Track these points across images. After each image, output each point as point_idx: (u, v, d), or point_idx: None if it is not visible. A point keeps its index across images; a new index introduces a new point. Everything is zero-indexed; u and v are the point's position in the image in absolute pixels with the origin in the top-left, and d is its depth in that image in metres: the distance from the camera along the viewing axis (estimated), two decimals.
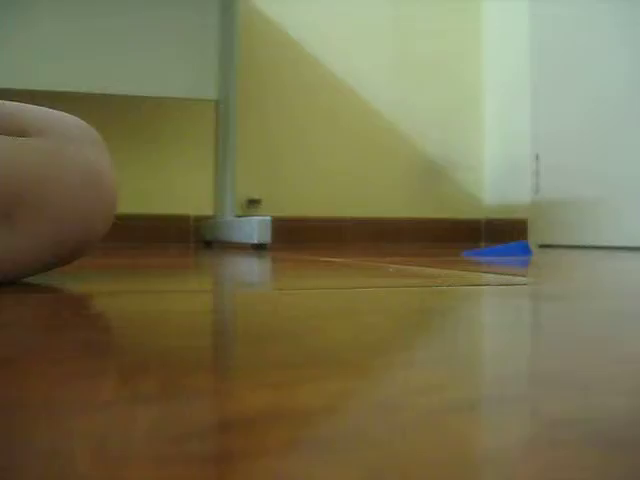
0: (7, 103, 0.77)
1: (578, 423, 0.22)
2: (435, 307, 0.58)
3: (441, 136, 3.02)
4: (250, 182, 2.72)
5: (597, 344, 0.39)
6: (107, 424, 0.22)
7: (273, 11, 2.79)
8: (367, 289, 0.76)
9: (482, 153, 3.10)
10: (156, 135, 2.64)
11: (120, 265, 1.17)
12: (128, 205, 2.49)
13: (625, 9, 2.34)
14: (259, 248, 1.98)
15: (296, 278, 0.94)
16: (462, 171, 3.07)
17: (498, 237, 2.92)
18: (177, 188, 2.67)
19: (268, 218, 2.02)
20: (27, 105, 0.79)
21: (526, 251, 1.78)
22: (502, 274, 1.00)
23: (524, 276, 1.00)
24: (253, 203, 2.74)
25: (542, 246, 2.61)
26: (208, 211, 2.57)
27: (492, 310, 0.59)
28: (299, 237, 2.78)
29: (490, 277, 0.95)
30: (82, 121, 0.82)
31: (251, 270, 1.15)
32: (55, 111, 0.80)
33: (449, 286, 0.78)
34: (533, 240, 2.68)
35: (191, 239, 2.66)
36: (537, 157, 2.72)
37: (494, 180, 3.06)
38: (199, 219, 2.63)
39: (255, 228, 1.99)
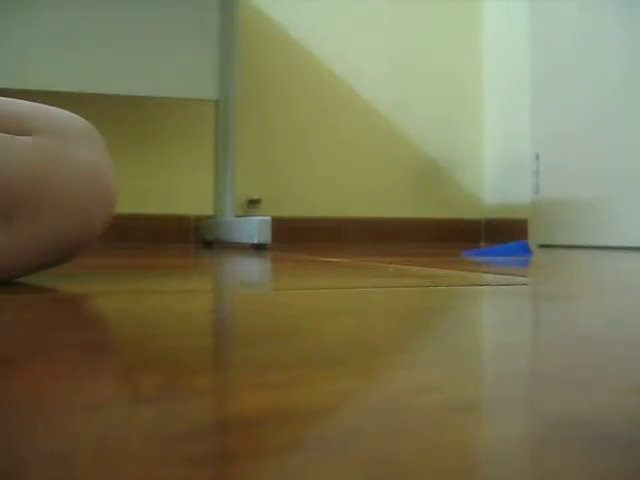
0: (6, 100, 0.77)
1: (578, 423, 0.22)
2: (435, 307, 0.58)
3: (441, 136, 3.02)
4: (250, 182, 2.72)
5: (597, 344, 0.39)
6: (106, 424, 0.22)
7: (273, 11, 2.79)
8: (367, 289, 0.76)
9: (482, 153, 3.10)
10: (156, 135, 2.64)
11: (120, 265, 1.17)
12: (128, 205, 2.49)
13: (626, 9, 2.34)
14: (259, 248, 1.98)
15: (296, 278, 0.94)
16: (462, 171, 3.07)
17: (498, 237, 2.92)
18: (177, 188, 2.67)
19: (268, 218, 2.02)
20: (27, 102, 0.78)
21: (526, 251, 1.78)
22: (502, 274, 1.00)
23: (524, 276, 1.00)
24: (253, 203, 2.74)
25: (542, 246, 2.61)
26: (208, 211, 2.57)
27: (492, 310, 0.59)
28: (299, 237, 2.78)
29: (490, 277, 0.95)
30: (82, 119, 0.82)
31: (251, 270, 1.15)
32: (55, 108, 0.80)
33: (448, 286, 0.78)
34: (533, 240, 2.68)
35: (191, 239, 2.66)
36: (537, 157, 2.72)
37: (494, 180, 3.06)
38: (199, 219, 2.63)
39: (255, 228, 1.99)
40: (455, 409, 0.24)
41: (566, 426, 0.22)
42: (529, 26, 2.79)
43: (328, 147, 2.85)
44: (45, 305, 0.59)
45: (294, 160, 2.81)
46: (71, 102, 2.28)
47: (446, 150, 3.03)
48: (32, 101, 0.80)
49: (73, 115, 0.81)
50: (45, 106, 0.79)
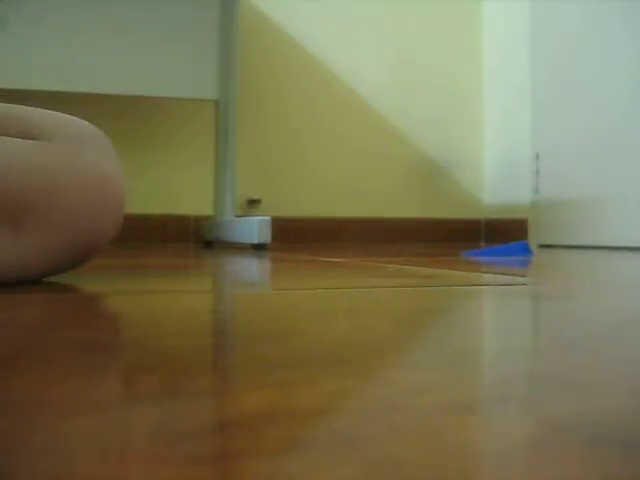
0: (17, 107, 0.77)
1: (578, 423, 0.22)
2: (434, 307, 0.58)
3: (441, 136, 3.02)
4: (250, 182, 2.72)
5: (597, 344, 0.39)
6: (106, 424, 0.22)
7: (273, 11, 2.79)
8: (366, 289, 0.76)
9: (482, 153, 3.10)
10: (156, 135, 2.64)
11: (120, 265, 1.17)
12: (128, 205, 2.49)
13: (627, 8, 2.34)
14: (259, 248, 1.98)
15: (295, 278, 0.94)
16: (462, 171, 3.07)
17: (498, 237, 2.92)
18: (177, 188, 2.67)
19: (268, 218, 2.02)
20: (36, 109, 0.78)
21: (526, 251, 1.78)
22: (502, 274, 1.00)
23: (524, 276, 1.00)
24: (253, 203, 2.74)
25: (542, 246, 2.61)
26: (208, 211, 2.57)
27: (492, 310, 0.59)
28: (299, 237, 2.78)
29: (490, 277, 0.95)
30: (90, 125, 0.82)
31: (251, 270, 1.15)
32: (64, 115, 0.80)
33: (448, 286, 0.78)
34: (533, 240, 2.68)
35: (191, 239, 2.66)
36: (537, 157, 2.72)
37: (494, 180, 3.06)
38: (199, 219, 2.63)
39: (255, 228, 1.99)
40: (454, 409, 0.24)
41: (565, 426, 0.22)
42: (530, 26, 2.79)
43: (328, 147, 2.85)
44: (45, 305, 0.59)
45: (294, 160, 2.81)
46: (71, 102, 2.28)
47: (446, 150, 3.03)
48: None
49: (82, 121, 0.81)
50: (54, 112, 0.79)
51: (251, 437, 0.21)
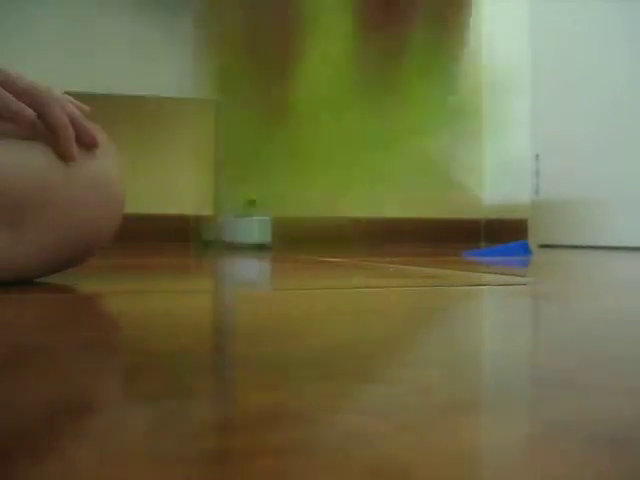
0: None
1: (577, 423, 0.22)
2: (435, 307, 0.58)
3: (441, 136, 3.02)
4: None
5: (596, 344, 0.39)
6: (107, 424, 0.22)
7: None
8: (366, 289, 0.76)
9: (482, 153, 3.10)
10: (156, 135, 2.64)
11: (119, 265, 1.17)
12: (127, 205, 2.49)
13: (627, 8, 2.34)
14: (259, 248, 1.98)
15: (295, 278, 0.94)
16: (462, 171, 3.07)
17: (498, 237, 2.92)
18: (177, 188, 2.67)
19: (268, 218, 2.02)
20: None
21: (526, 251, 1.78)
22: (502, 274, 1.00)
23: (524, 276, 1.00)
24: (252, 203, 2.74)
25: (542, 246, 2.61)
26: (208, 211, 2.57)
27: (491, 310, 0.59)
28: (298, 237, 2.78)
29: (490, 277, 0.95)
30: (99, 128, 0.82)
31: (250, 270, 1.15)
32: None
33: (448, 286, 0.78)
34: (533, 240, 2.68)
35: (191, 239, 2.66)
36: (537, 157, 2.72)
37: (494, 180, 3.06)
38: (199, 219, 2.63)
39: (255, 228, 2.00)
40: (453, 409, 0.24)
41: (564, 426, 0.22)
42: (530, 25, 2.79)
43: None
44: (45, 305, 0.59)
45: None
46: None
47: (446, 150, 3.03)
48: None
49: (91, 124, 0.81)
50: None
51: (254, 437, 0.21)
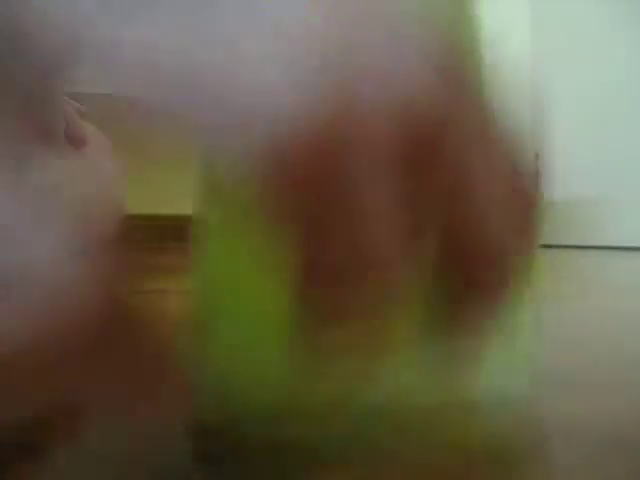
0: None
1: (576, 423, 0.22)
2: None
3: None
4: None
5: (596, 344, 0.39)
6: (107, 424, 0.22)
7: None
8: None
9: None
10: (155, 135, 2.64)
11: None
12: (127, 205, 2.49)
13: (627, 8, 2.34)
14: None
15: None
16: None
17: None
18: (177, 188, 2.67)
19: None
20: None
21: None
22: None
23: None
24: None
25: (542, 246, 2.61)
26: None
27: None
28: None
29: None
30: (98, 131, 0.82)
31: None
32: None
33: None
34: None
35: (190, 239, 2.66)
36: (537, 157, 2.72)
37: None
38: None
39: None
40: (453, 409, 0.24)
41: (564, 426, 0.22)
42: (530, 25, 2.79)
43: None
44: None
45: None
46: None
47: None
48: None
49: (88, 125, 0.81)
50: None
51: (238, 436, 0.21)
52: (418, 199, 0.17)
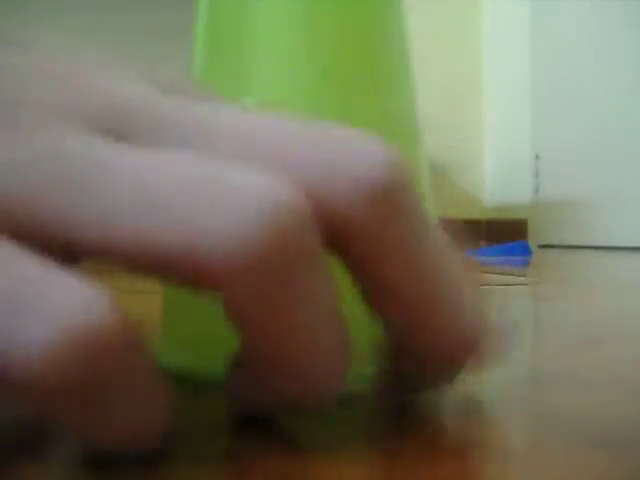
0: None
1: (576, 423, 0.22)
2: None
3: (441, 136, 3.02)
4: None
5: (596, 344, 0.39)
6: None
7: None
8: None
9: (482, 153, 3.10)
10: None
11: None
12: None
13: (627, 8, 2.34)
14: None
15: None
16: (462, 171, 3.06)
17: (498, 237, 2.92)
18: None
19: None
20: None
21: (526, 251, 1.78)
22: (502, 274, 1.00)
23: (524, 276, 1.00)
24: None
25: (542, 246, 2.61)
26: None
27: (492, 310, 0.59)
28: None
29: (490, 277, 0.95)
30: None
31: None
32: None
33: None
34: (533, 240, 2.68)
35: None
36: (537, 157, 2.72)
37: (494, 180, 3.06)
38: None
39: None
40: (456, 409, 0.24)
41: (564, 426, 0.22)
42: (530, 25, 2.79)
43: None
44: None
45: None
46: None
47: (446, 150, 3.03)
48: None
49: None
50: None
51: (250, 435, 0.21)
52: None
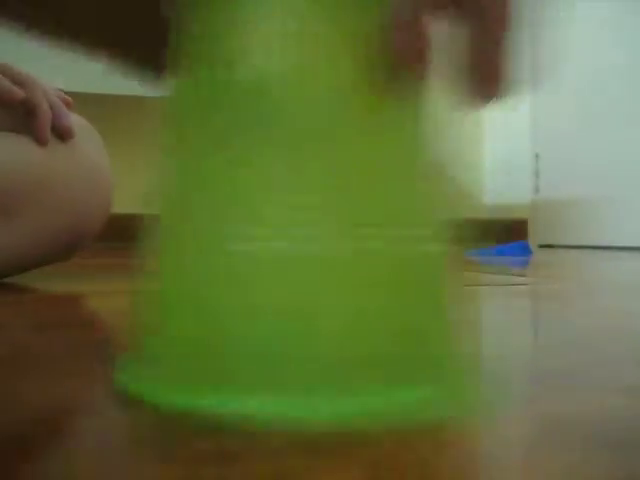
0: None
1: (578, 423, 0.22)
2: None
3: (440, 136, 3.02)
4: None
5: (596, 344, 0.39)
6: (105, 424, 0.22)
7: None
8: None
9: (482, 153, 3.10)
10: (155, 135, 2.64)
11: (117, 265, 1.17)
12: (126, 205, 2.49)
13: (625, 7, 2.34)
14: None
15: None
16: (462, 171, 3.06)
17: (498, 237, 2.92)
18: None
19: None
20: None
21: (526, 251, 1.78)
22: (502, 274, 1.00)
23: (524, 276, 1.00)
24: None
25: (542, 246, 2.61)
26: None
27: (492, 310, 0.59)
28: None
29: (490, 277, 0.95)
30: (81, 117, 0.83)
31: None
32: None
33: None
34: (533, 240, 2.68)
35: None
36: (537, 157, 2.72)
37: (494, 180, 3.06)
38: None
39: None
40: (452, 408, 0.24)
41: (563, 426, 0.22)
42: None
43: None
44: (41, 304, 0.58)
45: None
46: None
47: (446, 150, 3.03)
48: None
49: (72, 114, 0.82)
50: None
51: (251, 436, 0.21)
52: None
